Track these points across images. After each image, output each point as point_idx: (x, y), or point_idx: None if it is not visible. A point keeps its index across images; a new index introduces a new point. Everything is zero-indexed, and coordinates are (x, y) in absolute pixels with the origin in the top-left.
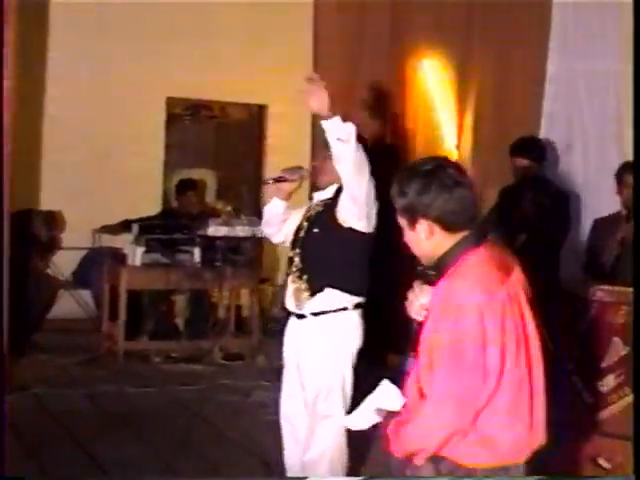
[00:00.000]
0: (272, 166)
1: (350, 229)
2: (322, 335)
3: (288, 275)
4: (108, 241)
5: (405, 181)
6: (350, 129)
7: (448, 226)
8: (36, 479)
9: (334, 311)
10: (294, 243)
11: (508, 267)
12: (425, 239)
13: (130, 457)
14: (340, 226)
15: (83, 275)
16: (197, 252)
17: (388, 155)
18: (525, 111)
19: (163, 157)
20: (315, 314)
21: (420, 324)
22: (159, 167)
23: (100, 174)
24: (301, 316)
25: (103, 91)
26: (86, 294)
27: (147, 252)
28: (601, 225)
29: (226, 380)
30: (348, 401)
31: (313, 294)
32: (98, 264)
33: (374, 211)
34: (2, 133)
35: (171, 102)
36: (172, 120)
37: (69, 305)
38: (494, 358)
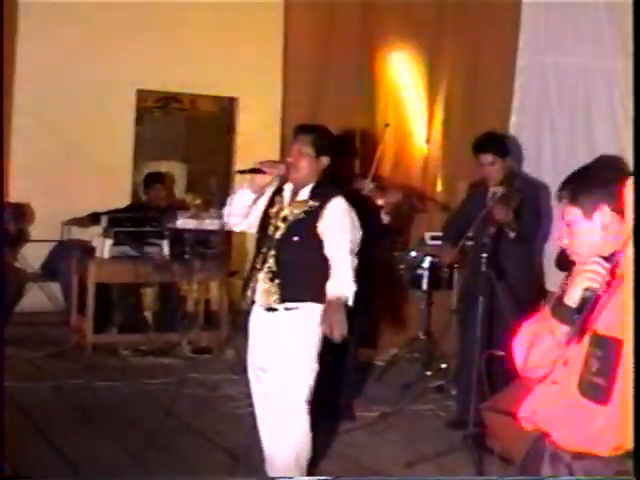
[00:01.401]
0: (242, 159)
1: None
2: (293, 326)
3: (258, 270)
4: (77, 234)
5: (591, 170)
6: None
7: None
8: (2, 472)
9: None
10: (267, 241)
11: None
12: (600, 229)
13: (98, 451)
14: (320, 239)
15: (51, 268)
16: (166, 245)
17: (357, 149)
18: (495, 105)
19: (133, 150)
20: (288, 309)
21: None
22: (129, 160)
23: (69, 167)
24: (271, 309)
25: (72, 83)
26: (55, 287)
27: (116, 245)
28: None
29: (195, 374)
30: (311, 390)
31: (283, 301)
32: (67, 257)
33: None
34: None
35: (141, 95)
36: (142, 113)
37: (37, 298)
38: None
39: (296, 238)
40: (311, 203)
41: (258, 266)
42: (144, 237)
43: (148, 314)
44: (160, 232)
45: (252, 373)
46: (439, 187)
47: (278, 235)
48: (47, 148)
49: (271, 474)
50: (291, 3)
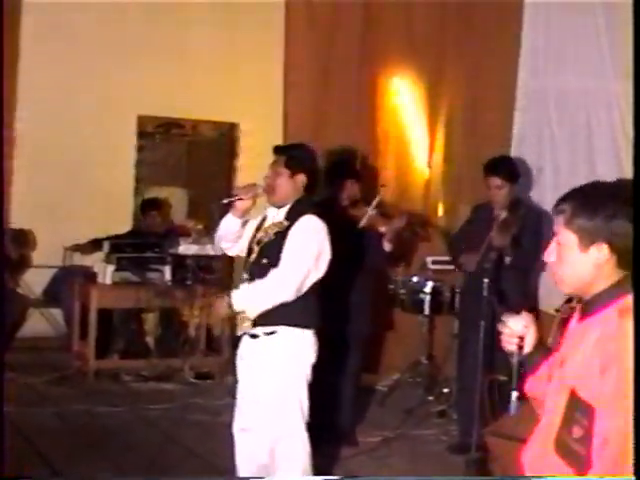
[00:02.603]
0: (243, 184)
1: None
2: (275, 353)
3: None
4: (79, 260)
5: (598, 197)
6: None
7: (622, 262)
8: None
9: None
10: (246, 265)
11: None
12: (592, 265)
13: (100, 476)
14: None
15: (54, 293)
16: (168, 270)
17: (358, 172)
18: (496, 128)
19: (134, 175)
20: (268, 334)
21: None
22: (130, 185)
23: (71, 193)
24: (254, 335)
25: (73, 110)
26: (56, 312)
27: (117, 270)
28: None
29: (196, 399)
30: (306, 416)
31: (254, 326)
32: (69, 282)
33: (323, 260)
34: None
35: (142, 120)
36: (143, 138)
37: (39, 323)
38: None
39: (265, 261)
40: (284, 223)
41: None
42: (146, 263)
43: (150, 339)
44: (162, 258)
45: (238, 400)
46: (440, 211)
47: (252, 259)
48: (48, 174)
49: None
50: (291, 27)
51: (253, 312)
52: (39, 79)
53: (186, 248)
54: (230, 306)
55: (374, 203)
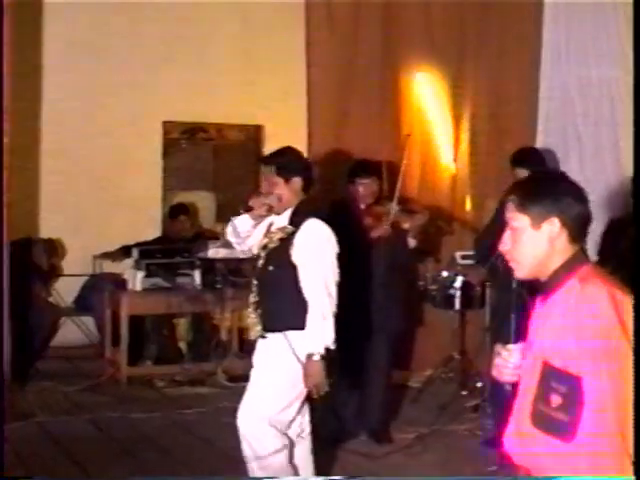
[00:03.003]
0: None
1: None
2: (283, 351)
3: (249, 303)
4: (108, 267)
5: (543, 181)
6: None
7: (575, 235)
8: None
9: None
10: (254, 272)
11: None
12: (547, 241)
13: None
14: (295, 267)
15: (84, 302)
16: (197, 275)
17: (381, 170)
18: (521, 121)
19: (161, 181)
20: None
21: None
22: (157, 191)
23: (99, 200)
24: (263, 336)
25: (99, 117)
26: (88, 321)
27: (147, 277)
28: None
29: (230, 402)
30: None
31: (265, 331)
32: (99, 290)
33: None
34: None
35: (168, 126)
36: (169, 144)
37: (71, 332)
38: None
39: (271, 268)
40: (287, 229)
41: (249, 298)
42: (175, 268)
43: (182, 344)
44: (191, 262)
45: None
46: (468, 206)
47: (259, 265)
48: (76, 183)
49: None
50: (311, 28)
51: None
52: (63, 89)
53: (215, 252)
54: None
55: (395, 197)
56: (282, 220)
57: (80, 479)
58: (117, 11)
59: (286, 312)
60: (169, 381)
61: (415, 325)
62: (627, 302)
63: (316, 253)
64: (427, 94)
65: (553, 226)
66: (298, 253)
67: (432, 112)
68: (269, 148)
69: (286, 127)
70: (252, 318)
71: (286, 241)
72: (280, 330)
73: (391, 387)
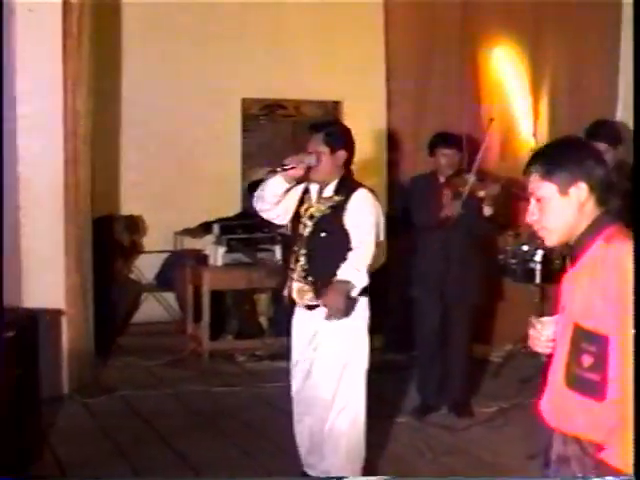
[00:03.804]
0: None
1: None
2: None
3: (292, 269)
4: (189, 243)
5: (564, 148)
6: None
7: (601, 198)
8: (127, 477)
9: None
10: (298, 240)
11: None
12: (577, 207)
13: (218, 455)
14: (347, 233)
15: (166, 278)
16: (278, 250)
17: (461, 142)
18: (601, 95)
19: (241, 158)
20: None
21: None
22: (237, 168)
23: (179, 177)
24: (311, 307)
25: (178, 96)
26: (170, 296)
27: (228, 252)
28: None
29: None
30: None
31: (317, 298)
32: (180, 266)
33: (381, 232)
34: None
35: (246, 103)
36: (248, 120)
37: (153, 308)
38: None
39: (323, 234)
40: (336, 198)
41: (292, 265)
42: (256, 243)
43: (263, 319)
44: (272, 237)
45: (297, 370)
46: None
47: (306, 233)
48: (157, 161)
49: (317, 462)
50: (391, 4)
51: (361, 282)
52: (143, 68)
53: None
54: (349, 290)
55: (474, 169)
56: (328, 191)
57: (165, 452)
58: None
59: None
60: (250, 355)
61: (495, 299)
62: None
63: (369, 216)
64: (506, 68)
65: (581, 191)
66: (351, 217)
67: (511, 86)
68: (347, 123)
69: (364, 103)
70: (302, 286)
71: (337, 209)
72: None
73: (472, 361)
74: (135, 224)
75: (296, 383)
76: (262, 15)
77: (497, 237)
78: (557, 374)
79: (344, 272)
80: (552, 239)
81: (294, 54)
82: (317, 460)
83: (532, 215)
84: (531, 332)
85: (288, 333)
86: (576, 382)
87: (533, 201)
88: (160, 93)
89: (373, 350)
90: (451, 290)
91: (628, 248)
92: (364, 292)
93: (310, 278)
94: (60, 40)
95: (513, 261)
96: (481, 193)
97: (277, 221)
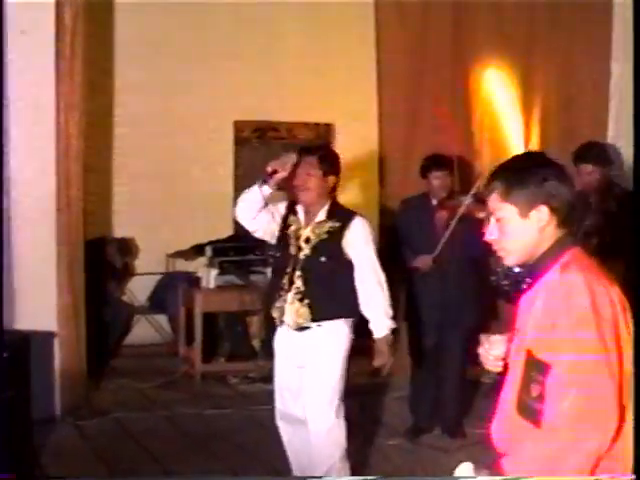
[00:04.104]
0: (341, 184)
1: None
2: (322, 338)
3: (285, 291)
4: (181, 266)
5: (526, 166)
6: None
7: (563, 219)
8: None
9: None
10: (291, 261)
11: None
12: (537, 229)
13: (210, 477)
14: (347, 258)
15: (158, 300)
16: (270, 273)
17: (452, 164)
18: (592, 115)
19: (233, 180)
20: (319, 325)
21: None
22: (230, 190)
23: (171, 200)
24: (302, 328)
25: (170, 118)
26: (162, 319)
27: (221, 274)
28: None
29: None
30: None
31: (313, 320)
32: (173, 288)
33: None
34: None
35: (238, 125)
36: (240, 143)
37: (145, 330)
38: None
39: (323, 259)
40: (331, 224)
41: (285, 287)
42: (248, 265)
43: (255, 342)
44: (264, 260)
45: (279, 393)
46: None
47: (302, 256)
48: (148, 183)
49: None
50: (382, 26)
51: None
52: (137, 89)
53: None
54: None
55: (473, 190)
56: (320, 215)
57: (157, 473)
58: (186, 10)
59: (338, 301)
60: (242, 378)
61: (489, 320)
62: (605, 292)
63: (370, 245)
64: (497, 89)
65: (542, 214)
66: (353, 247)
67: (502, 107)
68: (339, 145)
69: (356, 125)
70: (297, 307)
71: (334, 235)
72: (332, 318)
73: (465, 382)
74: (127, 246)
75: (283, 403)
76: (254, 37)
77: (489, 258)
78: (508, 399)
79: (382, 324)
80: (510, 260)
81: (286, 77)
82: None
83: (490, 235)
84: (480, 350)
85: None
86: (526, 411)
87: (493, 220)
88: (152, 115)
89: (363, 373)
90: (447, 312)
91: (581, 280)
92: (355, 315)
93: (307, 300)
94: (53, 62)
95: (505, 282)
96: (481, 214)
97: (258, 235)
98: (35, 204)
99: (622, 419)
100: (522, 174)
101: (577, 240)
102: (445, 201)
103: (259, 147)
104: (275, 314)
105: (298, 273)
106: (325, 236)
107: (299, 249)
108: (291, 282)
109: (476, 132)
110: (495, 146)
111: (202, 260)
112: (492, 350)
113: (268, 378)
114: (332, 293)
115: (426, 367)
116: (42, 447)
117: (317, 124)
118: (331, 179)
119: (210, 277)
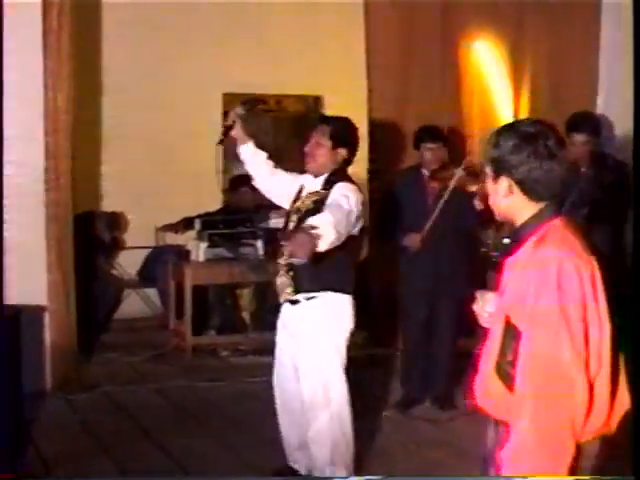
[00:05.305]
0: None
1: None
2: (316, 318)
3: (278, 264)
4: (171, 239)
5: (503, 135)
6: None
7: (528, 193)
8: (111, 473)
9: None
10: (283, 233)
11: (586, 245)
12: (503, 197)
13: (202, 449)
14: None
15: (148, 274)
16: (260, 245)
17: (445, 136)
18: (581, 88)
19: (222, 153)
20: (308, 299)
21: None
22: (218, 163)
23: (160, 173)
24: (294, 302)
25: (158, 90)
26: (152, 292)
27: (210, 247)
28: None
29: None
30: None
31: (297, 292)
32: (162, 262)
33: (359, 224)
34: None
35: (227, 98)
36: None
37: (135, 304)
38: (595, 332)
39: None
40: (321, 192)
41: (279, 260)
42: (238, 238)
43: (245, 314)
44: (254, 232)
45: (279, 365)
46: None
47: (291, 226)
48: (137, 156)
49: (306, 460)
50: (371, 1)
51: (325, 243)
52: (122, 62)
53: (277, 222)
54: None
55: (464, 163)
56: (316, 185)
57: (148, 446)
58: None
59: (322, 273)
60: (233, 350)
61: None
62: (574, 269)
63: (344, 197)
64: (487, 61)
65: (501, 186)
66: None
67: (492, 80)
68: None
69: (346, 97)
70: (283, 281)
71: (319, 202)
72: (315, 291)
73: (457, 354)
74: (116, 220)
75: (278, 377)
76: (244, 10)
77: (481, 230)
78: (488, 360)
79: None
80: (497, 217)
81: (275, 49)
82: (302, 455)
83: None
84: (474, 307)
85: (273, 327)
86: (501, 373)
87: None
88: (141, 88)
89: (356, 345)
90: (439, 285)
91: (550, 256)
92: (347, 291)
93: (291, 273)
94: (40, 36)
95: (495, 254)
96: (473, 187)
97: (270, 197)
98: (24, 178)
99: (591, 388)
100: (493, 143)
101: (561, 211)
102: (437, 172)
103: (248, 119)
104: (276, 289)
105: (286, 245)
106: (311, 206)
107: (291, 222)
108: (283, 255)
109: (465, 105)
110: (485, 115)
111: (191, 233)
112: (486, 307)
113: (259, 350)
114: (315, 265)
115: (417, 340)
116: (33, 421)
117: (306, 96)
118: (341, 151)
119: (200, 250)
